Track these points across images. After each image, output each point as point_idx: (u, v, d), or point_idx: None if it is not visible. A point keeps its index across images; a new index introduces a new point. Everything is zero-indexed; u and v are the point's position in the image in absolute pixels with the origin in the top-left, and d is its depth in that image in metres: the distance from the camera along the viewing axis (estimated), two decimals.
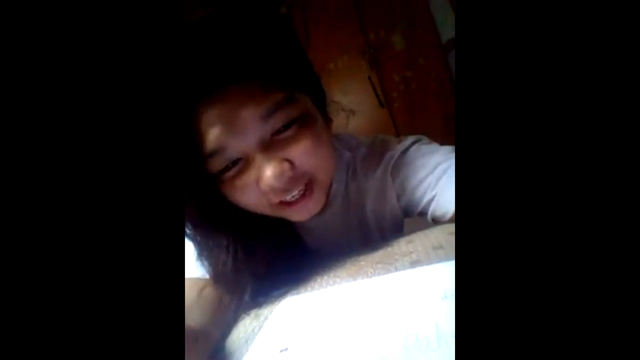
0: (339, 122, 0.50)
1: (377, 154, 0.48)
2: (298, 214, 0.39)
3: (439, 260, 0.34)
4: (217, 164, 0.33)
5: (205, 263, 0.39)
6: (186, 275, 0.40)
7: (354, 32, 1.86)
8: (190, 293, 0.38)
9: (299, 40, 0.41)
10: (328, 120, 0.44)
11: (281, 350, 0.27)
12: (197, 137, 0.32)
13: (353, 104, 2.03)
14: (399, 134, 1.91)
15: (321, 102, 0.42)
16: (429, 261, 0.35)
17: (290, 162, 0.34)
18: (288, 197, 0.36)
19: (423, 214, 0.46)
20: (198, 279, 0.39)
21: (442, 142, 0.47)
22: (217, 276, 0.39)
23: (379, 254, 0.40)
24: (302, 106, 0.35)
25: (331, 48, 1.85)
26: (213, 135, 0.31)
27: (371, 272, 0.37)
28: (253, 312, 0.38)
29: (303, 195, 0.37)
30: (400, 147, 0.47)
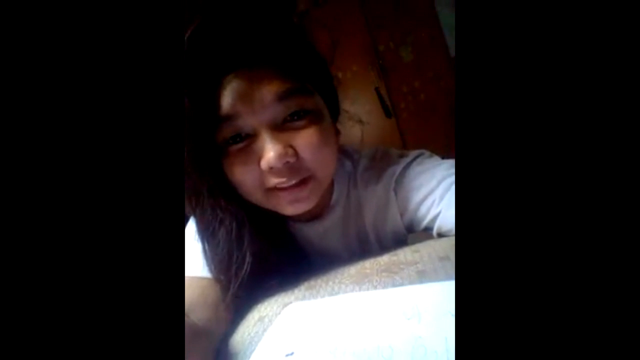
0: (352, 134, 0.51)
1: (378, 167, 0.48)
2: (289, 206, 0.39)
3: (445, 271, 0.34)
4: (227, 132, 0.36)
5: (205, 243, 0.40)
6: (190, 274, 0.40)
7: (364, 42, 1.88)
8: (193, 291, 0.38)
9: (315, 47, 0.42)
10: (337, 132, 0.45)
11: (287, 355, 0.27)
12: (217, 104, 0.34)
13: (360, 113, 2.03)
14: (406, 145, 1.92)
15: (334, 108, 0.44)
16: (435, 272, 0.35)
17: (294, 149, 0.36)
18: (285, 185, 0.37)
19: (428, 229, 0.46)
20: (201, 277, 0.40)
21: (450, 155, 0.46)
22: (214, 257, 0.39)
23: (384, 262, 0.40)
24: (315, 102, 0.38)
25: (340, 57, 1.87)
26: (231, 101, 0.34)
27: (376, 281, 0.37)
28: (257, 315, 0.38)
29: (297, 185, 0.38)
30: (402, 162, 0.47)
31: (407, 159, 0.47)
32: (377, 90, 1.89)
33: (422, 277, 0.35)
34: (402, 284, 0.34)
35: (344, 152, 0.51)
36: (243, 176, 0.37)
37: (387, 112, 1.89)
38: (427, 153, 0.48)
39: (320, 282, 0.40)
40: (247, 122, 0.35)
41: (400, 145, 1.92)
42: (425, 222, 0.45)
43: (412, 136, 1.92)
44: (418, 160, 0.46)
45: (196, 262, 0.40)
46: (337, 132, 0.45)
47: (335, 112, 0.44)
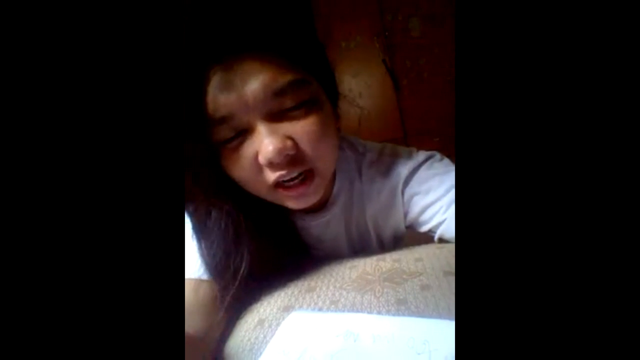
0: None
1: (385, 163, 0.47)
2: (294, 201, 0.38)
3: (450, 288, 0.34)
4: (223, 133, 0.33)
5: (200, 243, 0.38)
6: (185, 276, 0.38)
7: (372, 12, 1.79)
8: (188, 295, 0.36)
9: (316, 29, 0.38)
10: (337, 117, 0.42)
11: None
12: (207, 102, 0.31)
13: (362, 86, 1.99)
14: (404, 122, 1.89)
15: (333, 94, 0.40)
16: (440, 288, 0.35)
17: (293, 140, 0.33)
18: (286, 178, 0.35)
19: (429, 232, 0.45)
20: (196, 279, 0.38)
21: (444, 139, 0.45)
22: (210, 257, 0.38)
23: (386, 269, 0.40)
24: (313, 90, 0.34)
25: (345, 26, 1.79)
26: (221, 101, 0.31)
27: (379, 290, 0.36)
28: (256, 317, 0.37)
29: (302, 182, 0.36)
30: (412, 163, 0.46)
31: (418, 160, 0.46)
32: (384, 61, 1.82)
33: (426, 291, 0.35)
34: (405, 298, 0.34)
35: (346, 143, 0.50)
36: (241, 173, 0.35)
37: (396, 85, 1.84)
38: (438, 156, 0.46)
39: (321, 284, 0.40)
40: (240, 118, 0.32)
41: (397, 119, 1.90)
42: (427, 226, 0.45)
43: (411, 113, 1.88)
44: (428, 163, 0.45)
45: (191, 263, 0.38)
46: (338, 117, 0.42)
47: (334, 96, 0.41)
